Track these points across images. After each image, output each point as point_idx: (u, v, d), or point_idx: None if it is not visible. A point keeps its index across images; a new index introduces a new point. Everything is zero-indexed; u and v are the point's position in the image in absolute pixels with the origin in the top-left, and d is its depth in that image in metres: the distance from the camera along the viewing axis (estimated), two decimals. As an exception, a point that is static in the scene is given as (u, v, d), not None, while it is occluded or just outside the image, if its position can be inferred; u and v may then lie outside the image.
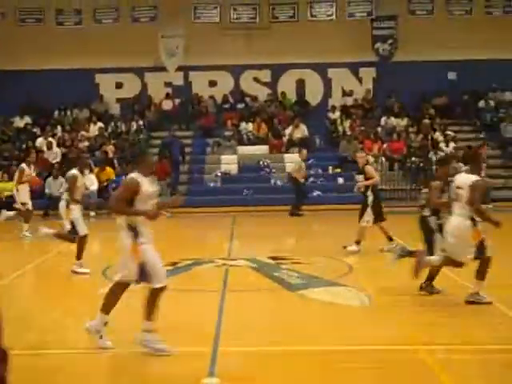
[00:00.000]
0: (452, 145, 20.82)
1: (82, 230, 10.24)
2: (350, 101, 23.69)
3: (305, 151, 18.81)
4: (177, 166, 20.79)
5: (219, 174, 20.81)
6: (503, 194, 19.39)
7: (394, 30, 23.33)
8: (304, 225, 16.85)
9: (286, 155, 21.29)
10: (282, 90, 24.00)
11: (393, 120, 22.52)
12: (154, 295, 6.13)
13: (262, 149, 21.69)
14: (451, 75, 23.76)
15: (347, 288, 8.93)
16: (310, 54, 22.92)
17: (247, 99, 23.83)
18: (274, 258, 11.27)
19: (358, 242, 11.87)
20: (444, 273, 10.09)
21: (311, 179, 20.11)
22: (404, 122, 22.51)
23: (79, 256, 10.16)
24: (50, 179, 19.12)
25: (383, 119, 22.61)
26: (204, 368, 5.63)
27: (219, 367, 5.71)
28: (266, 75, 24.13)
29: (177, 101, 23.73)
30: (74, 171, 10.19)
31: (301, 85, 24.14)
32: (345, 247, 11.89)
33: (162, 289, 6.15)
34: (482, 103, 23.25)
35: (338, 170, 20.56)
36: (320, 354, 6.17)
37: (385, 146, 21.12)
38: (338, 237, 13.63)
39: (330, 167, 20.67)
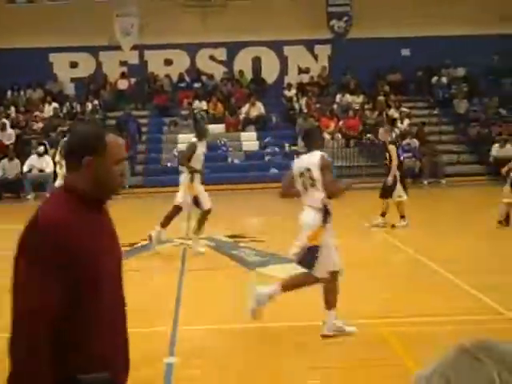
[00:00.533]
0: (407, 121, 21.11)
1: None
2: (305, 78, 23.79)
3: None
4: (134, 143, 20.73)
5: (176, 154, 20.76)
6: (456, 170, 19.77)
7: (348, 7, 23.44)
8: (261, 202, 16.96)
9: (242, 133, 21.34)
10: (239, 69, 23.98)
11: (348, 97, 22.71)
12: (335, 279, 6.03)
13: (219, 127, 21.68)
14: (405, 52, 24.04)
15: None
16: (266, 31, 22.89)
17: (203, 78, 23.77)
18: (231, 237, 11.37)
19: (402, 217, 12.03)
20: (397, 246, 10.37)
21: (268, 157, 20.21)
22: (359, 99, 22.72)
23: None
24: (4, 161, 18.87)
25: (339, 96, 22.77)
26: (164, 348, 5.72)
27: (179, 346, 5.79)
28: (221, 53, 24.08)
29: (132, 80, 23.54)
30: None
31: (257, 63, 24.15)
32: (393, 226, 12.01)
33: (336, 273, 6.05)
34: (435, 79, 23.58)
35: (295, 148, 20.69)
36: (278, 330, 6.30)
37: (341, 123, 21.32)
38: (295, 214, 13.78)
39: (287, 145, 20.79)
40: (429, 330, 6.21)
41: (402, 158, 12.60)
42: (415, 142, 19.88)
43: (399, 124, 20.88)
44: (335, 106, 22.26)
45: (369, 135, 20.60)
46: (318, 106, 22.09)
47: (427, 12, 22.64)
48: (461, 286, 7.80)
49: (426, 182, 19.15)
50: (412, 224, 12.06)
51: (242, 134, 21.32)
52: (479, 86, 23.20)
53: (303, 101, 22.48)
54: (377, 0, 22.65)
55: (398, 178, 12.08)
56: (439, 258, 9.25)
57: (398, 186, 12.04)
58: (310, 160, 6.16)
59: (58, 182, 12.02)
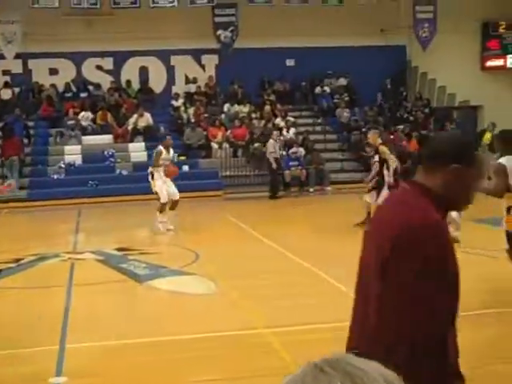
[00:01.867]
0: (293, 130, 21.66)
1: None
2: (193, 88, 23.93)
3: None
4: (22, 146, 20.29)
5: (63, 166, 20.38)
6: (341, 177, 20.43)
7: (234, 18, 23.72)
8: (150, 214, 16.95)
9: (130, 144, 21.20)
10: (126, 78, 23.81)
11: (236, 106, 23.04)
12: None
13: (107, 138, 21.45)
14: (290, 62, 24.67)
15: (194, 276, 9.19)
16: (153, 41, 22.83)
17: (90, 87, 23.44)
18: (120, 250, 11.34)
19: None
20: (287, 256, 10.64)
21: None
22: (246, 108, 23.09)
23: None
24: None
25: (226, 106, 23.07)
26: (51, 367, 5.67)
27: (67, 365, 5.75)
28: (108, 63, 23.82)
29: (16, 90, 22.89)
30: None
31: (144, 72, 24.05)
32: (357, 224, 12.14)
33: None
34: (318, 89, 24.32)
35: (183, 158, 20.73)
36: (167, 344, 6.36)
37: (228, 132, 21.59)
38: (185, 225, 13.92)
39: (175, 155, 20.79)
40: (317, 338, 6.28)
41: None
42: (301, 151, 20.43)
43: (285, 133, 21.41)
44: (223, 116, 22.53)
45: (256, 144, 20.97)
46: (205, 115, 22.27)
47: (311, 24, 23.32)
48: (343, 291, 8.09)
49: (312, 190, 19.70)
50: (298, 232, 12.45)
51: (131, 144, 21.18)
52: (359, 96, 24.13)
53: (191, 110, 22.61)
54: (262, 11, 23.01)
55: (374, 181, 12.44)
56: (324, 264, 9.61)
57: (385, 189, 12.21)
58: None
59: None
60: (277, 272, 9.56)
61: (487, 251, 10.06)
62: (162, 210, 13.11)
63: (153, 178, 13.21)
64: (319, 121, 23.37)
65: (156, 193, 13.24)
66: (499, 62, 26.15)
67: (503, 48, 25.99)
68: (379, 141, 12.89)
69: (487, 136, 21.86)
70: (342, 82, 24.71)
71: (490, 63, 26.26)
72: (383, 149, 12.70)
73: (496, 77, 25.97)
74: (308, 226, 13.49)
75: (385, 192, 12.07)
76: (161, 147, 13.50)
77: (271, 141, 19.71)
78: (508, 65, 26.10)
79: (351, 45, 23.86)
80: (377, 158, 12.64)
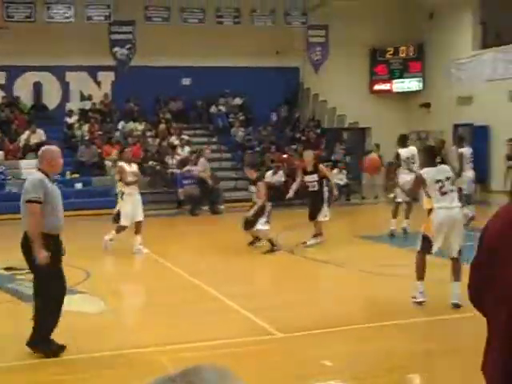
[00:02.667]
0: (187, 148, 21.86)
1: None
2: (88, 105, 23.75)
3: None
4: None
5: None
6: (235, 195, 20.74)
7: (131, 35, 23.74)
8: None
9: (22, 161, 20.74)
10: (19, 94, 23.35)
11: (131, 124, 23.05)
12: None
13: (-2, 154, 20.92)
14: (186, 81, 24.95)
15: (84, 295, 9.19)
16: (48, 56, 22.55)
17: (-19, 102, 22.82)
18: (8, 269, 11.15)
19: (316, 236, 12.56)
20: (173, 270, 10.81)
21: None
22: (142, 126, 23.13)
23: None
24: None
25: (121, 123, 23.03)
26: None
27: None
28: (1, 77, 23.30)
29: None
30: None
31: (38, 88, 23.67)
32: (304, 243, 12.52)
33: None
34: (213, 108, 24.69)
35: (76, 176, 20.51)
36: (52, 365, 6.36)
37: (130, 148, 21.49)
38: (78, 243, 13.80)
39: (68, 172, 20.52)
40: (207, 355, 6.39)
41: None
42: (195, 169, 20.65)
43: (180, 151, 21.59)
44: (117, 133, 22.47)
45: (151, 162, 21.04)
46: (99, 133, 22.14)
47: (208, 43, 23.72)
48: (235, 308, 8.35)
49: (206, 208, 19.92)
50: (187, 249, 12.67)
51: (22, 161, 20.75)
52: (254, 115, 24.68)
53: (85, 128, 22.41)
54: (160, 29, 23.13)
55: (327, 199, 12.82)
56: (213, 281, 9.86)
57: (325, 207, 12.73)
58: None
59: None
60: (169, 290, 9.72)
61: (372, 267, 10.59)
62: (119, 231, 12.43)
63: (122, 198, 12.33)
64: (214, 139, 23.72)
65: (118, 213, 12.53)
66: (386, 87, 27.42)
67: (390, 73, 27.28)
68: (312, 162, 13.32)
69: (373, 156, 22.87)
70: (238, 101, 25.19)
71: (377, 87, 27.50)
72: (322, 167, 13.33)
73: (383, 100, 27.23)
74: (202, 244, 13.69)
75: (325, 209, 12.60)
76: (121, 162, 12.64)
77: (202, 159, 19.95)
78: (394, 89, 27.41)
79: (247, 65, 24.43)
80: (316, 177, 12.95)
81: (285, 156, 22.30)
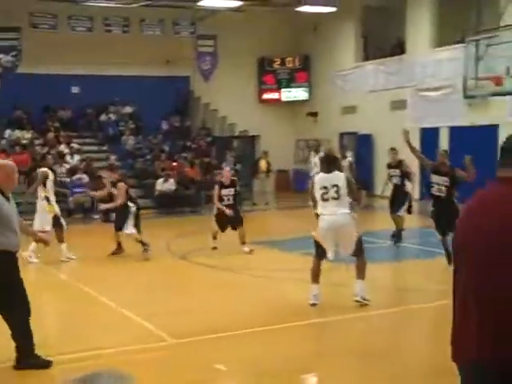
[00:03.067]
0: (77, 157, 21.60)
1: None
2: (-28, 112, 22.99)
3: None
4: None
5: None
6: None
7: (17, 42, 23.19)
8: None
9: None
10: None
11: (17, 132, 22.51)
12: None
13: None
14: (75, 89, 24.64)
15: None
16: None
17: None
18: None
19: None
20: (63, 280, 10.75)
21: None
22: (29, 134, 22.64)
23: None
24: None
25: (8, 131, 22.46)
26: None
27: None
28: None
29: None
30: None
31: None
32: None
33: None
34: (104, 117, 24.50)
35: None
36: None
37: (10, 159, 20.98)
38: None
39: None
40: (101, 363, 6.24)
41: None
42: (85, 177, 20.45)
43: (69, 159, 21.30)
44: (3, 141, 21.90)
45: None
46: (-15, 141, 21.51)
47: (97, 52, 23.54)
48: (126, 315, 8.35)
49: (96, 217, 19.75)
50: (81, 259, 12.61)
51: None
52: (144, 123, 24.68)
53: (-30, 136, 21.72)
54: (48, 37, 22.73)
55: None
56: (105, 289, 9.90)
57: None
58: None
59: None
60: (61, 299, 9.69)
61: (264, 272, 10.94)
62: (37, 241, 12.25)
63: (49, 202, 12.34)
64: (104, 148, 23.54)
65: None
66: (274, 96, 28.13)
67: (278, 83, 28.00)
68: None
69: (263, 163, 23.46)
70: (128, 109, 25.12)
71: (266, 96, 28.16)
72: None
73: (272, 109, 27.92)
74: (90, 253, 13.59)
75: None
76: (44, 168, 12.68)
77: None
78: (282, 98, 28.14)
79: (137, 74, 24.42)
80: (233, 190, 13.38)
81: (174, 164, 22.45)
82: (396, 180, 13.83)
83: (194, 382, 6.08)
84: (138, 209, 12.99)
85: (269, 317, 8.19)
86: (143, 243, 12.52)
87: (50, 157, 14.02)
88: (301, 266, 11.16)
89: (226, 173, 13.74)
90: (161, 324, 7.72)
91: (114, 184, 13.28)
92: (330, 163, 8.68)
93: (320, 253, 8.53)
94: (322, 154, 13.22)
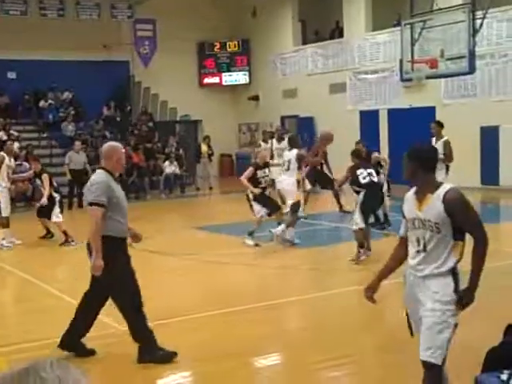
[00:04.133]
0: (16, 144, 21.24)
1: None
2: None
3: None
4: None
5: None
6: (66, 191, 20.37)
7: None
8: None
9: None
10: None
11: None
12: None
13: None
14: (11, 75, 24.18)
15: None
16: None
17: None
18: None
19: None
20: (5, 269, 10.68)
21: None
22: (-36, 122, 22.16)
23: None
24: None
25: None
26: None
27: None
28: None
29: None
30: None
31: None
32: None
33: None
34: (42, 103, 24.13)
35: None
36: None
37: None
38: None
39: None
40: (46, 354, 6.12)
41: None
42: (26, 165, 20.14)
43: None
44: None
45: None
46: None
47: (33, 36, 23.15)
48: (73, 303, 8.37)
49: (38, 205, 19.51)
50: (21, 247, 12.55)
51: None
52: (85, 109, 24.42)
53: None
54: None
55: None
56: (49, 278, 9.87)
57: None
58: None
59: None
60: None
61: (210, 257, 11.07)
62: (4, 225, 12.44)
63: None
64: (45, 135, 23.22)
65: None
66: (215, 80, 28.16)
67: (218, 66, 28.04)
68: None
69: (204, 147, 23.50)
70: (67, 95, 24.79)
71: (207, 80, 28.17)
72: None
73: (213, 93, 27.96)
74: (37, 241, 13.51)
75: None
76: (3, 153, 12.84)
77: (70, 152, 19.64)
78: (223, 82, 28.21)
79: (75, 59, 24.10)
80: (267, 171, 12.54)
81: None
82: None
83: (144, 368, 6.08)
84: (62, 197, 13.36)
85: (216, 300, 8.32)
86: (66, 234, 12.66)
87: (10, 143, 14.15)
88: (248, 249, 11.43)
89: (263, 152, 13.02)
90: (108, 312, 7.72)
91: (37, 175, 13.35)
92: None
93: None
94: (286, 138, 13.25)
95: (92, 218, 5.91)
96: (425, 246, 4.19)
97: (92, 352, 6.37)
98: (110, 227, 5.99)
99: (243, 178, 12.06)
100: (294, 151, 11.87)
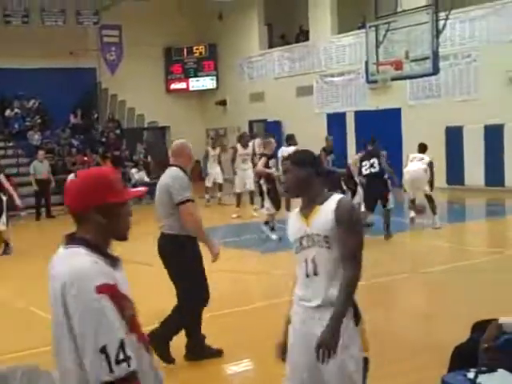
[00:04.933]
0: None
1: None
2: None
3: None
4: None
5: None
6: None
7: None
8: None
9: None
10: None
11: None
12: None
13: None
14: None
15: None
16: None
17: None
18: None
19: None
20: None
21: None
22: None
23: None
24: None
25: None
26: None
27: None
28: None
29: None
30: None
31: None
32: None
33: None
34: (8, 112, 23.87)
35: None
36: None
37: None
38: None
39: None
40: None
41: None
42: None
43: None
44: None
45: None
46: None
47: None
48: (41, 315, 8.31)
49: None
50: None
51: None
52: (51, 118, 24.21)
53: None
54: None
55: None
56: (10, 287, 9.78)
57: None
58: None
59: None
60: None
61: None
62: None
63: None
64: (10, 144, 22.97)
65: None
66: (182, 85, 28.12)
67: (185, 72, 28.00)
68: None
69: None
70: (34, 103, 24.55)
71: (174, 86, 28.12)
72: None
73: (180, 99, 27.92)
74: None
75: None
76: None
77: (34, 162, 19.36)
78: (190, 88, 28.18)
79: (41, 66, 23.87)
80: None
81: (86, 158, 22.15)
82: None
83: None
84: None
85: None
86: (7, 244, 12.47)
87: None
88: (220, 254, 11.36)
89: (272, 143, 13.24)
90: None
91: None
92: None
93: None
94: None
95: (188, 217, 5.89)
96: (315, 268, 3.54)
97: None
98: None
99: (260, 167, 12.42)
100: (291, 148, 12.54)
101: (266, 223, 12.40)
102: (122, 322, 2.31)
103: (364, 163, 12.14)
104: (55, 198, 18.81)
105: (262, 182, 12.61)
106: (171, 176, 6.06)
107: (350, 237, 3.44)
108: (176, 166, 6.13)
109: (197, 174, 27.64)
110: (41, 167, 19.29)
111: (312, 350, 3.33)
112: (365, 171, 12.09)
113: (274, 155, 12.88)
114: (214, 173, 18.83)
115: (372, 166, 12.02)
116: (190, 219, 5.89)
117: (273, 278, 9.40)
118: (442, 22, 14.15)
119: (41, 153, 19.71)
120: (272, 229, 12.25)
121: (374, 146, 12.45)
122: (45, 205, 18.85)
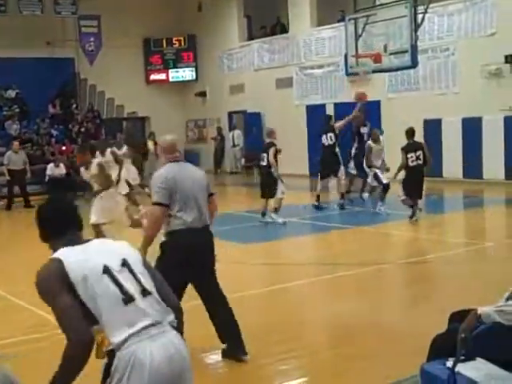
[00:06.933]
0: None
1: None
2: None
3: None
4: None
5: None
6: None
7: None
8: None
9: None
10: None
11: None
12: None
13: None
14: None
15: None
16: None
17: None
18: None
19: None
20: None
21: None
22: None
23: None
24: None
25: None
26: None
27: None
28: None
29: None
30: None
31: None
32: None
33: None
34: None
35: None
36: None
37: None
38: None
39: None
40: None
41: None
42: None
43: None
44: None
45: None
46: None
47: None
48: (21, 304, 8.13)
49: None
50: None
51: None
52: (30, 108, 24.03)
53: None
54: None
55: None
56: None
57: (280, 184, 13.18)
58: None
59: None
60: None
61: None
62: None
63: None
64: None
65: None
66: (162, 76, 28.03)
67: (164, 63, 27.90)
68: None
69: (150, 144, 23.48)
70: (11, 93, 24.36)
71: (153, 77, 28.02)
72: None
73: (160, 90, 27.83)
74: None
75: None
76: None
77: (8, 152, 19.14)
78: (170, 79, 28.09)
79: (18, 56, 23.64)
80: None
81: (64, 148, 22.08)
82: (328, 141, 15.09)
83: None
84: None
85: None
86: None
87: None
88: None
89: (275, 131, 13.77)
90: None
91: None
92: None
93: None
94: None
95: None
96: None
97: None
98: None
99: (272, 158, 12.94)
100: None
101: (276, 210, 13.24)
102: None
103: (410, 155, 12.58)
104: (34, 187, 18.75)
105: (273, 170, 13.06)
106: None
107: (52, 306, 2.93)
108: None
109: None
110: (16, 158, 19.09)
111: None
112: (411, 163, 12.57)
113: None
114: None
115: (418, 158, 12.62)
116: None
117: (250, 268, 9.41)
118: (420, 16, 14.23)
119: (15, 143, 19.50)
120: (276, 211, 13.28)
121: (413, 138, 12.94)
122: (21, 195, 18.75)
